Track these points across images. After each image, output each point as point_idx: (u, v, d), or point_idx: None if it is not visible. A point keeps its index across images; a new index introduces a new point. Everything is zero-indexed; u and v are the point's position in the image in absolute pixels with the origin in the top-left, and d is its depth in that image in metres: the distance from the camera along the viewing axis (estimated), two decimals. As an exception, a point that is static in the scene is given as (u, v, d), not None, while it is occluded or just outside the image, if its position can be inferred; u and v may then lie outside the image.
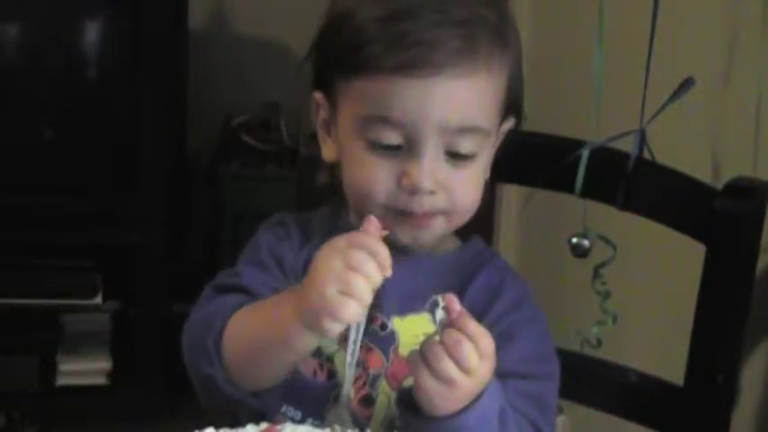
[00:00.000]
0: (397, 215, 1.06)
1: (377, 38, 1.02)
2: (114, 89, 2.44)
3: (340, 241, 0.96)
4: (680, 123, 1.45)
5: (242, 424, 0.94)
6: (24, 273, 2.39)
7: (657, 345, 1.62)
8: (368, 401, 1.09)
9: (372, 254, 0.94)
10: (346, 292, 0.93)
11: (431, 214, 1.06)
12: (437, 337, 0.97)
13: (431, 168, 1.04)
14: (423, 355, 0.96)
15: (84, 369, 2.40)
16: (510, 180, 1.40)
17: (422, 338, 1.09)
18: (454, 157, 1.05)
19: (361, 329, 1.00)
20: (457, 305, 0.97)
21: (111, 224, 2.31)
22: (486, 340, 0.97)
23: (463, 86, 1.03)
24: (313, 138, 1.15)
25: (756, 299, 1.23)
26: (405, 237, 1.08)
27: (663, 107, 1.30)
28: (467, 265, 1.15)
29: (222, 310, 1.05)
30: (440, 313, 0.97)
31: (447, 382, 0.95)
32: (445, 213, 1.07)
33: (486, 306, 1.09)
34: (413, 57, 1.01)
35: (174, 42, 2.45)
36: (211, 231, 2.66)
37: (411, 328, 1.10)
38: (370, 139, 1.04)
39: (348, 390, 1.03)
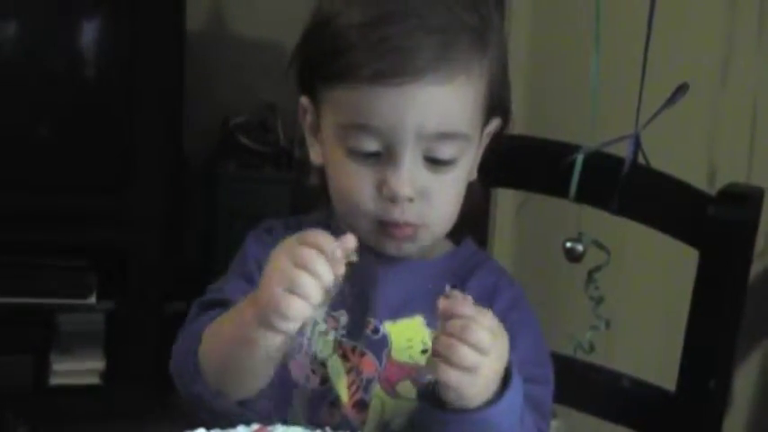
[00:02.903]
0: (382, 227, 1.06)
1: (355, 45, 1.02)
2: (112, 89, 2.44)
3: (291, 239, 0.96)
4: (676, 129, 1.46)
5: (233, 425, 0.93)
6: (19, 271, 2.39)
7: (650, 350, 1.62)
8: (362, 406, 1.09)
9: (323, 251, 0.94)
10: (293, 291, 0.93)
11: (413, 225, 1.06)
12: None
13: (410, 176, 1.03)
14: (437, 351, 0.95)
15: (78, 368, 2.40)
16: (504, 184, 1.40)
17: (415, 343, 1.09)
18: (434, 163, 1.04)
19: (318, 327, 1.00)
20: (458, 294, 0.96)
21: (106, 224, 2.30)
22: (488, 317, 0.96)
23: (441, 93, 1.02)
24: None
25: (749, 305, 1.23)
26: (390, 248, 1.08)
27: (657, 112, 1.30)
28: (460, 267, 1.15)
29: (201, 328, 1.05)
30: (442, 302, 0.96)
31: (470, 368, 0.94)
32: (426, 223, 1.06)
33: (484, 307, 1.09)
34: (390, 65, 1.00)
35: (171, 43, 2.45)
36: (207, 232, 2.66)
37: (404, 333, 1.10)
38: (350, 146, 1.04)
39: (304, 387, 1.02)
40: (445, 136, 1.04)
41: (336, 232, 1.12)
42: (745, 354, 1.51)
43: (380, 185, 1.04)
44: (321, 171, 1.12)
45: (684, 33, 1.60)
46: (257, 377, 1.02)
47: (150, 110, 2.38)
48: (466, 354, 0.94)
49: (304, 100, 1.10)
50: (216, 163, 2.69)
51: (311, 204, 1.19)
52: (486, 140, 1.12)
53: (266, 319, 0.95)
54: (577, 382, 1.15)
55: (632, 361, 1.39)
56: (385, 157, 1.04)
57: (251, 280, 1.09)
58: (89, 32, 2.43)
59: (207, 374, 1.03)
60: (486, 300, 1.09)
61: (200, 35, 2.72)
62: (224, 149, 2.72)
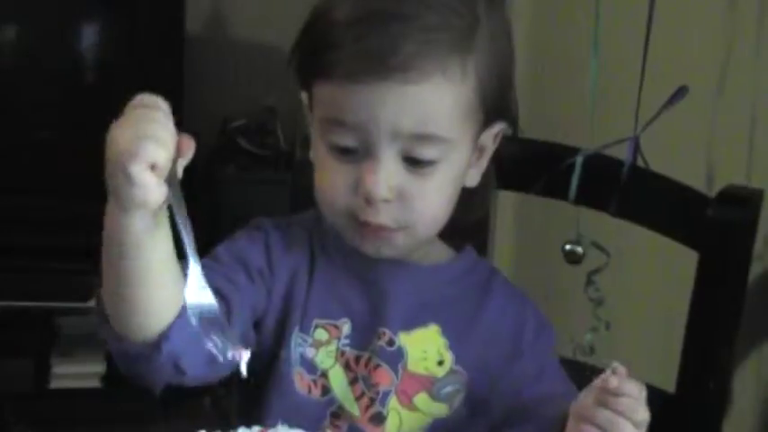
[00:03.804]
0: (359, 225, 1.04)
1: (336, 43, 1.01)
2: (111, 92, 2.43)
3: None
4: (675, 131, 1.46)
5: (233, 427, 0.93)
6: (19, 275, 2.39)
7: (650, 351, 1.62)
8: (378, 419, 1.08)
9: (155, 107, 0.91)
10: (141, 135, 0.87)
11: (387, 227, 1.04)
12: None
13: (386, 176, 1.02)
14: (599, 424, 0.97)
15: (79, 372, 2.40)
16: (504, 186, 1.40)
17: (431, 354, 1.09)
18: (413, 164, 1.02)
19: (182, 204, 0.91)
20: (623, 371, 0.99)
21: (106, 227, 2.30)
22: (643, 390, 0.99)
23: (414, 92, 1.00)
24: (307, 141, 1.13)
25: (748, 306, 1.24)
26: (368, 248, 1.06)
27: (656, 115, 1.31)
28: (469, 276, 1.14)
29: None
30: (613, 381, 0.98)
31: None
32: (404, 226, 1.04)
33: (518, 334, 1.11)
34: (363, 63, 0.99)
35: (170, 46, 2.45)
36: (207, 234, 2.65)
37: (419, 344, 1.09)
38: (329, 141, 1.03)
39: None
40: (422, 137, 1.02)
41: (326, 232, 1.12)
42: (745, 355, 1.51)
43: (356, 183, 1.03)
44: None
45: (683, 36, 1.61)
46: (148, 293, 0.95)
47: (150, 113, 2.39)
48: (628, 430, 0.96)
49: (304, 96, 1.09)
50: (215, 166, 2.69)
51: (311, 206, 1.19)
52: (491, 145, 1.11)
53: (119, 175, 0.88)
54: (577, 383, 1.15)
55: (632, 362, 1.39)
56: (362, 155, 1.02)
57: (219, 260, 1.07)
58: (89, 35, 2.43)
59: (112, 317, 0.98)
60: (513, 330, 1.11)
61: (200, 38, 2.72)
62: (223, 152, 2.72)
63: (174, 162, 0.90)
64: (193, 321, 0.90)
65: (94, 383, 2.41)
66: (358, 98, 1.00)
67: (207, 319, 0.91)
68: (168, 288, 0.95)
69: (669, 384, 1.26)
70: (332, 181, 1.04)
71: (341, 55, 1.00)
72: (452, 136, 1.03)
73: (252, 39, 2.75)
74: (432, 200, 1.04)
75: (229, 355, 0.91)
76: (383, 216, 1.03)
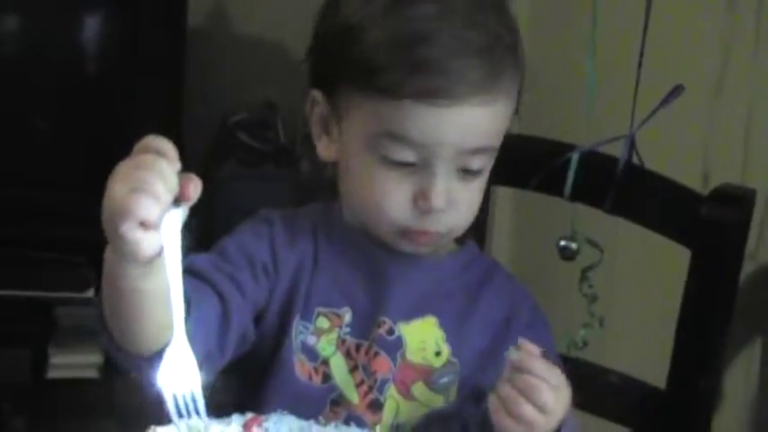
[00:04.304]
0: (404, 232, 1.06)
1: (395, 63, 1.01)
2: (112, 86, 2.45)
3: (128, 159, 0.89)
4: (670, 130, 1.47)
5: (227, 414, 0.94)
6: (17, 265, 2.39)
7: (643, 347, 1.63)
8: (376, 406, 1.09)
9: (160, 152, 0.87)
10: (136, 188, 0.84)
11: (440, 233, 1.07)
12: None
13: (446, 189, 1.04)
14: (500, 398, 0.97)
15: (76, 362, 2.40)
16: (500, 182, 1.41)
17: (429, 344, 1.10)
18: (466, 173, 1.05)
19: (178, 256, 0.88)
20: (531, 348, 0.98)
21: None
22: (556, 375, 0.98)
23: (483, 114, 1.02)
24: (309, 138, 1.14)
25: (740, 305, 1.25)
26: (407, 249, 1.09)
27: (652, 113, 1.31)
28: (469, 270, 1.15)
29: None
30: (513, 354, 0.98)
31: (526, 424, 0.96)
32: (451, 230, 1.08)
33: (509, 320, 1.11)
34: (435, 87, 1.00)
35: (171, 41, 2.46)
36: (207, 229, 2.66)
37: (417, 334, 1.10)
38: (384, 155, 1.04)
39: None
40: (480, 150, 1.05)
41: (335, 224, 1.13)
42: (735, 353, 1.52)
43: (416, 197, 1.04)
44: (331, 165, 1.12)
45: (680, 34, 1.61)
46: (144, 322, 0.95)
47: (150, 107, 2.39)
48: (527, 411, 0.96)
49: (316, 93, 1.09)
50: (215, 161, 2.70)
51: (312, 201, 1.19)
52: None
53: (113, 231, 0.86)
54: (570, 378, 1.16)
55: (625, 358, 1.40)
56: (420, 168, 1.04)
57: (225, 256, 1.08)
58: (90, 29, 2.43)
59: (111, 328, 0.99)
60: (507, 315, 1.12)
61: (201, 33, 2.72)
62: (223, 147, 2.72)
63: (178, 206, 0.87)
64: (171, 406, 0.89)
65: (92, 374, 2.42)
66: (425, 120, 1.01)
67: (185, 402, 0.90)
68: (164, 317, 0.94)
69: (661, 381, 1.27)
70: (384, 192, 1.05)
71: (407, 75, 1.00)
72: (499, 143, 1.08)
73: (253, 33, 2.76)
74: (475, 204, 1.08)
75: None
76: (437, 224, 1.06)
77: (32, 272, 2.40)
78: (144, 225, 0.85)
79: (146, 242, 0.86)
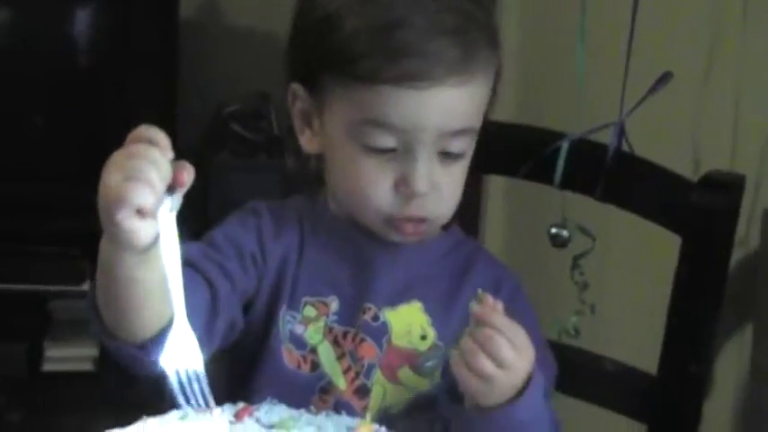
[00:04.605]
0: (391, 221, 1.07)
1: (373, 49, 1.02)
2: (105, 77, 2.45)
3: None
4: (661, 117, 1.47)
5: (219, 404, 0.95)
6: (12, 258, 2.39)
7: (633, 334, 1.64)
8: (363, 391, 1.10)
9: (153, 141, 0.89)
10: (130, 177, 0.86)
11: (425, 219, 1.07)
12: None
13: (427, 173, 1.05)
14: (461, 351, 0.98)
15: (71, 355, 2.40)
16: (490, 171, 1.42)
17: (415, 328, 1.11)
18: (446, 156, 1.06)
19: (175, 242, 0.90)
20: (490, 299, 0.98)
21: (100, 212, 2.30)
22: (519, 332, 0.98)
23: (460, 95, 1.04)
24: (292, 131, 1.14)
25: (730, 291, 1.25)
26: (396, 238, 1.10)
27: (641, 100, 1.32)
28: (453, 254, 1.16)
29: None
30: (474, 306, 0.98)
31: (484, 378, 0.97)
32: (436, 216, 1.08)
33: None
34: (413, 70, 1.01)
35: (164, 31, 2.46)
36: (201, 219, 2.66)
37: (404, 319, 1.11)
38: (365, 142, 1.05)
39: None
40: (461, 132, 1.06)
41: (320, 215, 1.14)
42: (726, 339, 1.52)
43: (398, 182, 1.05)
44: (315, 158, 1.13)
45: (668, 21, 1.61)
46: (139, 311, 0.97)
47: (143, 98, 2.39)
48: (485, 365, 0.97)
49: (297, 87, 1.10)
50: (209, 151, 2.70)
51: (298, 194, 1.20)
52: None
53: (109, 220, 0.87)
54: (561, 365, 1.17)
55: (616, 345, 1.41)
56: (401, 154, 1.05)
57: (215, 245, 1.09)
58: (82, 20, 2.43)
59: (104, 317, 1.00)
60: (492, 292, 1.11)
61: (194, 23, 2.72)
62: (217, 138, 2.73)
63: (172, 193, 0.89)
64: (175, 383, 0.91)
65: (87, 367, 2.42)
66: (405, 104, 1.02)
67: (190, 383, 0.92)
68: (160, 303, 0.96)
69: (652, 367, 1.27)
70: (367, 180, 1.06)
71: (385, 61, 1.02)
72: (479, 125, 1.08)
73: (246, 24, 2.76)
74: (457, 189, 1.09)
75: (196, 406, 0.91)
76: (421, 209, 1.06)
77: (27, 265, 2.40)
78: (140, 213, 0.87)
79: (142, 230, 0.88)
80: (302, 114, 1.11)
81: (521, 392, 0.99)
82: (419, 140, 1.04)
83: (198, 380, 0.91)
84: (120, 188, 0.86)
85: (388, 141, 1.04)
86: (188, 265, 1.02)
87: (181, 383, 0.91)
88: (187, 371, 0.91)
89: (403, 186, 1.05)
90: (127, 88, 2.40)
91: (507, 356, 0.97)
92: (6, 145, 2.39)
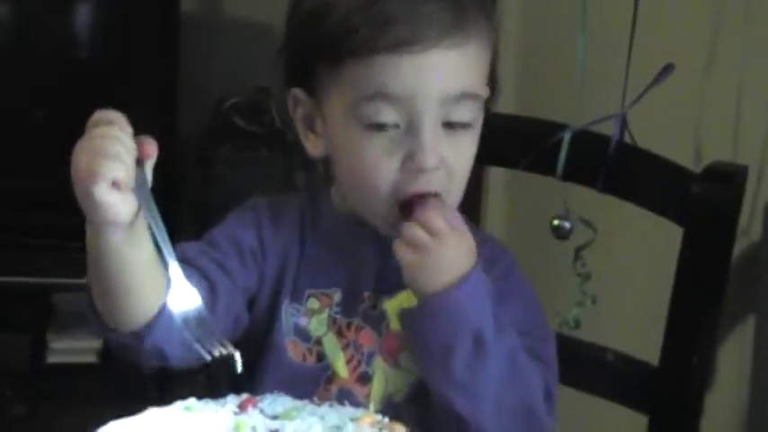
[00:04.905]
0: (401, 207, 1.06)
1: (365, 22, 1.02)
2: (106, 71, 2.45)
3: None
4: (663, 109, 1.47)
5: (223, 395, 0.95)
6: (15, 251, 2.40)
7: (635, 325, 1.64)
8: (365, 378, 1.10)
9: (111, 122, 0.95)
10: (98, 154, 0.92)
11: (437, 195, 1.06)
12: None
13: (434, 146, 1.04)
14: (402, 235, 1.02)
15: (75, 347, 2.41)
16: (493, 162, 1.41)
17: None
18: (452, 127, 1.05)
19: (154, 207, 0.96)
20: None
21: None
22: (453, 215, 1.03)
23: (458, 56, 1.03)
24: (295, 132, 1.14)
25: (732, 281, 1.25)
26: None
27: (644, 92, 1.32)
28: None
29: None
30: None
31: (418, 247, 1.01)
32: (447, 191, 1.06)
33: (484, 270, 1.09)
34: (406, 35, 1.01)
35: (165, 24, 2.46)
36: (202, 214, 2.66)
37: (401, 304, 1.10)
38: (366, 121, 1.04)
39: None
40: (464, 96, 1.04)
41: (324, 210, 1.14)
42: (728, 330, 1.53)
43: (404, 159, 1.04)
44: (320, 162, 1.13)
45: (671, 13, 1.61)
46: (131, 295, 1.00)
47: (144, 91, 2.39)
48: (416, 233, 1.01)
49: (297, 91, 1.10)
50: (210, 145, 2.70)
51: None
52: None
53: (85, 196, 0.92)
54: (563, 357, 1.17)
55: (618, 336, 1.41)
56: (404, 130, 1.04)
57: (213, 244, 1.11)
58: (83, 14, 2.43)
59: (99, 308, 1.02)
60: (484, 270, 1.09)
61: (195, 17, 2.72)
62: (218, 131, 2.72)
63: (142, 166, 0.94)
64: (182, 326, 0.95)
65: (91, 359, 2.43)
66: (402, 71, 1.02)
67: (194, 321, 0.96)
68: (150, 286, 0.99)
69: (654, 358, 1.28)
70: (374, 163, 1.04)
71: (379, 29, 1.02)
72: (483, 95, 1.07)
73: (247, 17, 2.75)
74: (466, 165, 1.08)
75: (216, 352, 0.96)
76: (429, 184, 1.05)
77: (30, 258, 2.40)
78: (115, 185, 0.92)
79: (121, 203, 0.93)
80: (305, 119, 1.11)
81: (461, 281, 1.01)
82: (421, 110, 1.03)
83: (202, 319, 0.95)
84: (90, 165, 0.91)
85: (389, 115, 1.03)
86: (185, 263, 1.04)
87: (187, 324, 0.95)
88: (191, 314, 0.95)
89: (410, 163, 1.04)
90: (128, 82, 2.40)
91: (438, 225, 1.01)
92: (8, 139, 2.39)
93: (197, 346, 0.95)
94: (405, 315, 1.06)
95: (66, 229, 2.42)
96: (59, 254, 2.44)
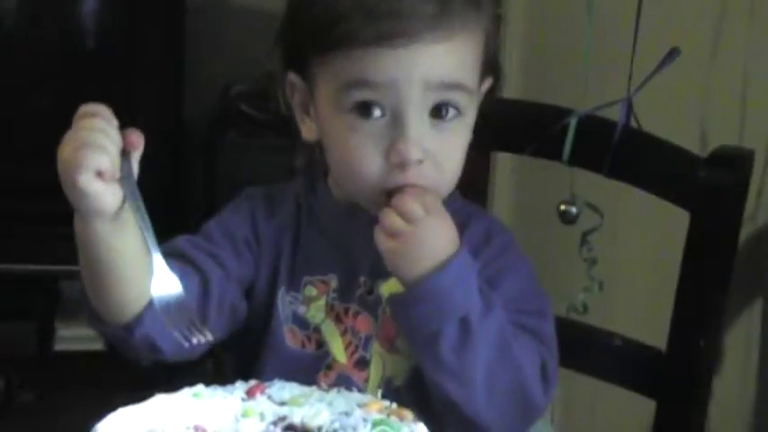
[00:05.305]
0: (389, 195, 1.05)
1: (351, 11, 1.02)
2: (112, 59, 2.45)
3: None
4: (669, 93, 1.47)
5: (231, 382, 0.95)
6: (22, 239, 2.40)
7: (642, 310, 1.64)
8: (363, 364, 1.11)
9: (96, 114, 0.96)
10: (82, 145, 0.94)
11: (422, 189, 1.05)
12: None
13: (418, 137, 1.03)
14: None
15: (83, 335, 2.41)
16: (499, 148, 1.42)
17: None
18: (438, 118, 1.04)
19: (138, 198, 0.97)
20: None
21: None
22: (430, 197, 1.02)
23: (442, 50, 1.03)
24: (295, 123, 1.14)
25: (739, 266, 1.25)
26: None
27: (649, 77, 1.31)
28: (453, 219, 1.15)
29: None
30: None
31: (395, 235, 1.01)
32: (436, 186, 1.06)
33: (477, 253, 1.09)
34: (389, 27, 1.01)
35: (172, 11, 2.46)
36: (209, 200, 2.67)
37: (397, 289, 1.09)
38: (351, 104, 1.03)
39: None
40: (450, 87, 1.04)
41: (320, 198, 1.14)
42: (735, 314, 1.53)
43: (387, 151, 1.03)
44: (315, 147, 1.12)
45: (677, -1, 1.61)
46: (121, 285, 1.01)
47: (150, 79, 2.39)
48: (393, 220, 1.01)
49: (293, 77, 1.10)
50: (216, 131, 2.70)
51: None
52: (480, 99, 1.11)
53: (70, 187, 0.94)
54: (571, 342, 1.17)
55: (625, 321, 1.41)
56: (389, 121, 1.03)
57: (206, 236, 1.11)
58: (89, 2, 2.43)
59: (91, 300, 1.04)
60: (479, 245, 1.11)
61: (201, 3, 2.72)
62: (225, 118, 2.72)
63: (127, 158, 0.96)
64: (160, 312, 0.96)
65: (98, 346, 2.43)
66: (386, 63, 1.02)
67: (174, 308, 0.97)
68: (140, 277, 1.00)
69: (661, 343, 1.28)
70: (359, 153, 1.04)
71: (362, 21, 1.01)
72: (473, 87, 1.07)
73: (253, 4, 2.75)
74: (456, 157, 1.07)
75: (194, 340, 0.96)
76: (417, 178, 1.04)
77: (38, 245, 2.41)
78: (100, 175, 0.93)
79: (107, 193, 0.94)
80: (301, 104, 1.11)
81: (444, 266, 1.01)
82: (404, 99, 1.02)
83: (180, 304, 0.96)
84: (74, 155, 0.93)
85: (373, 103, 1.03)
86: (179, 257, 1.07)
87: (168, 310, 0.96)
88: (169, 296, 0.96)
89: (393, 154, 1.03)
90: (135, 70, 2.40)
91: (414, 210, 1.01)
92: (15, 127, 2.39)
93: (176, 333, 0.96)
94: (392, 302, 1.06)
95: (72, 216, 2.44)
96: (67, 241, 2.42)
